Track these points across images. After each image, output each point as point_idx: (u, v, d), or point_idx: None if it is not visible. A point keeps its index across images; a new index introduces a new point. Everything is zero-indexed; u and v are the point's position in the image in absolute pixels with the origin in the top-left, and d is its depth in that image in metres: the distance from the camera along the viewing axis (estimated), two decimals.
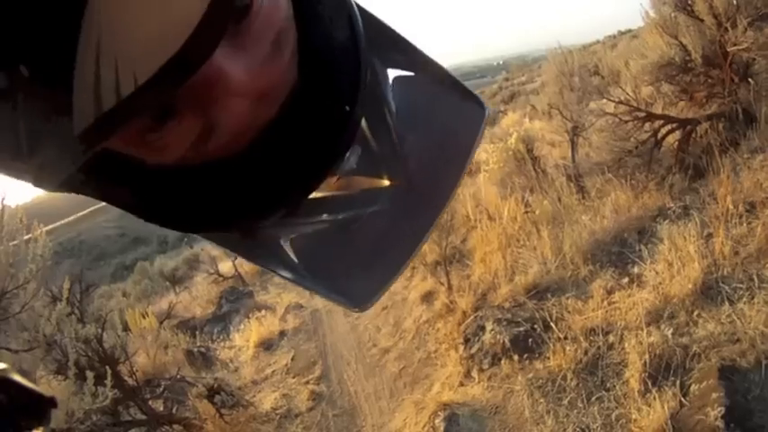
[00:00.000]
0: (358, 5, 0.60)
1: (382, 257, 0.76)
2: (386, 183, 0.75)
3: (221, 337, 9.97)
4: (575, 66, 7.73)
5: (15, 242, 5.02)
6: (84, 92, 0.35)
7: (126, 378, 5.59)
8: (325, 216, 0.73)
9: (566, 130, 7.69)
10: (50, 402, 1.08)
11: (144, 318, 8.65)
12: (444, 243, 6.88)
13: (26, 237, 5.16)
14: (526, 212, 7.16)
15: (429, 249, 7.50)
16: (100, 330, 5.59)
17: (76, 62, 0.34)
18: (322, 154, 0.57)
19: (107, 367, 5.37)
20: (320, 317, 9.41)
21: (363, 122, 0.67)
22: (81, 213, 55.58)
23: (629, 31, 50.93)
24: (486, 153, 10.83)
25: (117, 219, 60.59)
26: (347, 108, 0.55)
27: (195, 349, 8.65)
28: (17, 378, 1.04)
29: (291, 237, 0.73)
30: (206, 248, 22.80)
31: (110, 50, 0.34)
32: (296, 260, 0.72)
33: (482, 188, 9.07)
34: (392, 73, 0.73)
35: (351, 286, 0.75)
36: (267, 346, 8.73)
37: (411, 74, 0.73)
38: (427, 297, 7.43)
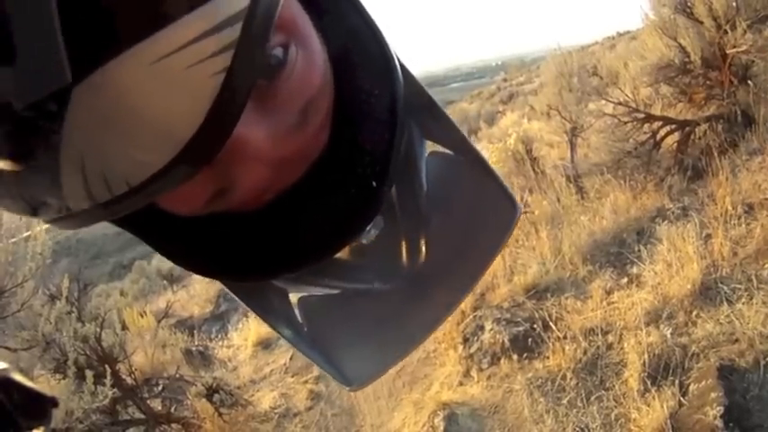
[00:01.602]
0: (404, 68, 0.59)
1: (385, 340, 0.74)
2: (404, 261, 0.72)
3: (219, 336, 9.92)
4: (574, 67, 7.75)
5: (14, 240, 5.02)
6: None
7: (125, 377, 5.58)
8: (336, 282, 0.72)
9: (564, 130, 7.72)
10: (51, 402, 1.13)
11: (142, 317, 8.65)
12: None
13: (25, 234, 5.17)
14: (525, 212, 7.17)
15: None
16: (98, 329, 5.59)
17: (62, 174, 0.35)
18: (341, 226, 0.56)
19: (106, 366, 5.38)
20: None
21: (393, 191, 0.67)
22: None
23: (628, 32, 50.99)
24: (486, 153, 10.84)
25: None
26: (374, 184, 0.54)
27: (193, 348, 8.64)
28: (18, 377, 1.11)
29: (300, 295, 0.72)
30: None
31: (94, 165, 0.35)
32: (299, 319, 0.72)
33: None
34: (429, 146, 0.71)
35: (347, 362, 0.74)
36: (265, 345, 8.68)
37: (449, 152, 0.70)
38: None
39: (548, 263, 5.89)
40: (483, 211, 0.71)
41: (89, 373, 4.85)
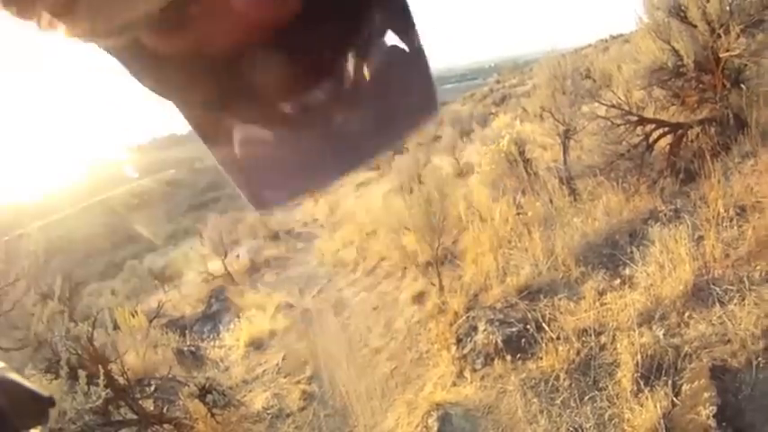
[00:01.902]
0: None
1: (303, 177, 0.82)
2: (336, 118, 0.78)
3: (211, 337, 9.92)
4: (568, 69, 7.77)
5: (7, 238, 5.01)
6: None
7: (117, 377, 5.55)
8: (274, 122, 0.76)
9: (557, 133, 7.74)
10: (48, 402, 1.18)
11: (133, 316, 8.66)
12: (436, 244, 6.91)
13: (18, 232, 5.15)
14: (518, 214, 7.19)
15: (420, 250, 7.56)
16: (90, 329, 5.57)
17: None
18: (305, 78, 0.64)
19: (99, 366, 5.36)
20: (311, 317, 9.42)
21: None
22: (71, 211, 55.38)
23: (621, 35, 51.18)
24: (479, 155, 10.88)
25: (107, 215, 60.41)
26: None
27: (185, 348, 8.62)
28: (15, 377, 1.17)
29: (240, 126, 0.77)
30: (195, 247, 22.81)
31: None
32: (235, 147, 0.76)
33: (474, 190, 9.13)
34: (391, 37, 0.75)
35: (264, 189, 0.82)
36: (257, 345, 8.71)
37: (405, 48, 0.75)
38: (419, 298, 7.47)
39: (540, 264, 5.91)
40: (411, 100, 0.78)
41: (82, 374, 4.82)
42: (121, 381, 5.57)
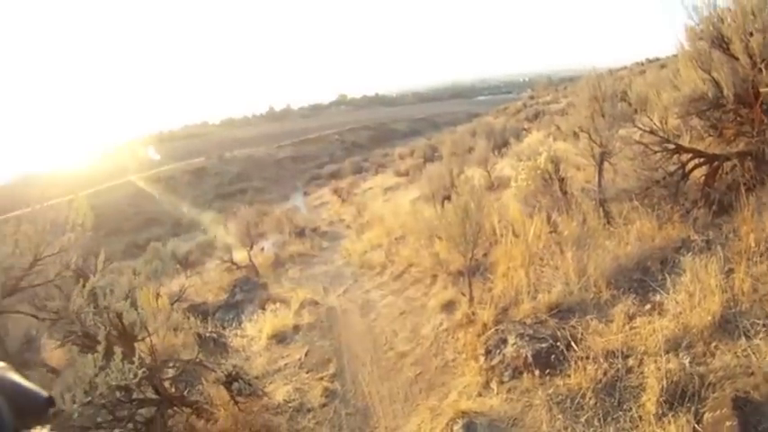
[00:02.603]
0: None
1: None
2: None
3: (233, 325, 10.00)
4: (607, 91, 7.80)
5: (51, 202, 5.13)
6: None
7: (144, 356, 5.65)
8: None
9: (592, 154, 7.78)
10: (48, 402, 1.35)
11: (156, 298, 8.83)
12: (469, 254, 6.96)
13: (65, 199, 5.25)
14: (551, 232, 7.27)
15: (452, 259, 7.65)
16: (123, 306, 5.71)
17: None
18: None
19: (130, 344, 5.52)
20: (336, 315, 9.51)
21: None
22: (98, 188, 55.87)
23: (657, 59, 50.96)
24: (512, 169, 10.94)
25: (132, 196, 60.74)
26: None
27: (207, 334, 8.75)
28: (15, 377, 1.31)
29: None
30: (221, 235, 22.96)
31: None
32: None
33: (507, 204, 9.23)
34: None
35: None
36: (280, 338, 8.81)
37: None
38: (448, 306, 7.52)
39: (572, 283, 5.96)
40: None
41: (118, 351, 4.92)
42: (148, 360, 5.67)
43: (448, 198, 12.18)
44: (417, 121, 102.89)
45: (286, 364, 7.81)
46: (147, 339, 5.96)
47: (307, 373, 7.39)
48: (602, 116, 7.63)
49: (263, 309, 10.23)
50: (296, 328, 9.09)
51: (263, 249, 17.80)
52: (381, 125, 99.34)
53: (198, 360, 6.69)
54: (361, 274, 12.05)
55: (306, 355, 7.95)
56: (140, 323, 5.88)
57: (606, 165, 7.74)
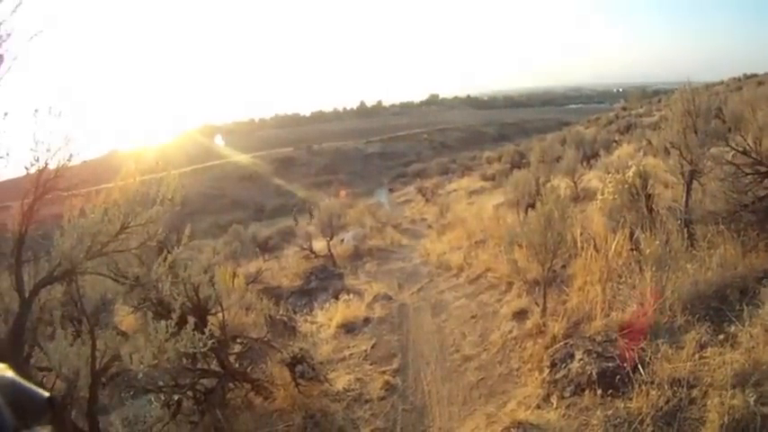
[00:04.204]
0: None
1: None
2: None
3: (304, 311, 10.24)
4: (702, 107, 7.54)
5: (145, 178, 5.30)
6: None
7: (214, 329, 5.74)
8: None
9: (681, 171, 7.55)
10: (48, 402, 1.36)
11: (233, 277, 8.98)
12: (548, 264, 6.87)
13: (159, 175, 5.42)
14: (632, 249, 7.09)
15: (530, 268, 7.55)
16: (201, 278, 5.86)
17: None
18: None
19: (203, 315, 5.67)
20: (407, 312, 9.52)
21: None
22: (184, 169, 57.67)
23: (755, 75, 49.37)
24: (600, 182, 10.72)
25: (218, 180, 62.27)
26: None
27: (278, 317, 8.90)
28: (15, 378, 1.31)
29: None
30: (302, 224, 23.24)
31: None
32: None
33: (590, 216, 9.06)
34: None
35: None
36: (349, 329, 8.88)
37: None
38: (519, 314, 7.44)
39: (646, 304, 5.82)
40: None
41: (191, 320, 5.03)
42: (218, 333, 5.77)
43: (532, 206, 12.06)
44: (507, 125, 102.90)
45: (351, 354, 7.87)
46: (219, 315, 6.08)
47: (370, 365, 7.41)
48: (695, 133, 7.40)
49: (336, 298, 10.37)
50: (366, 321, 9.16)
51: (342, 241, 17.96)
52: (470, 127, 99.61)
53: (266, 339, 6.80)
54: (438, 275, 12.03)
55: (372, 347, 7.98)
56: (215, 298, 6.01)
57: (695, 184, 7.50)
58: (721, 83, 53.54)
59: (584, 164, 18.49)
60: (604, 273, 6.84)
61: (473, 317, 8.35)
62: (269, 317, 8.53)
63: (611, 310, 6.09)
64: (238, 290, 9.62)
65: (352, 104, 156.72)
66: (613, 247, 7.16)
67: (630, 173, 8.26)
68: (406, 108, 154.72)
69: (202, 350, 5.10)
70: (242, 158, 72.34)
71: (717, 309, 5.44)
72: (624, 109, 69.26)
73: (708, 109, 7.55)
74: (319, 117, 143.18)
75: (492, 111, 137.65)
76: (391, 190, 51.09)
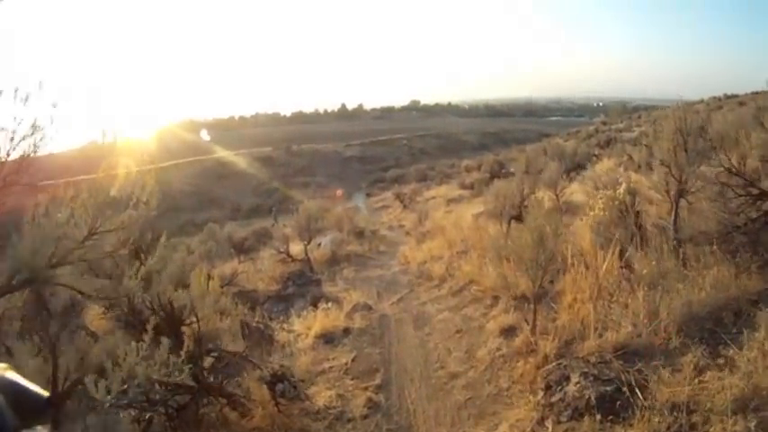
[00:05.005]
0: None
1: None
2: None
3: (281, 318, 9.90)
4: (693, 125, 7.44)
5: (114, 173, 5.03)
6: None
7: (188, 341, 5.51)
8: None
9: (666, 189, 7.54)
10: (48, 402, 1.38)
11: (207, 280, 8.81)
12: (539, 281, 6.62)
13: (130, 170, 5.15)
14: (623, 267, 6.97)
15: (517, 282, 7.41)
16: (177, 294, 5.63)
17: None
18: None
19: (176, 328, 5.44)
20: (388, 323, 9.27)
21: None
22: (162, 164, 57.77)
23: (736, 96, 50.23)
24: (589, 197, 10.62)
25: (195, 176, 62.14)
26: None
27: (254, 323, 8.64)
28: (15, 377, 1.33)
29: None
30: (279, 225, 22.99)
31: None
32: None
33: (578, 232, 8.93)
34: None
35: None
36: (328, 339, 8.60)
37: None
38: (508, 331, 7.22)
39: (639, 324, 5.68)
40: None
41: (165, 341, 4.78)
42: (192, 346, 5.51)
43: (517, 218, 11.96)
44: (487, 135, 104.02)
45: (331, 368, 7.59)
46: (195, 325, 5.87)
47: (351, 380, 7.14)
48: (685, 151, 7.29)
49: (315, 306, 10.06)
50: (346, 331, 8.86)
51: (320, 245, 17.77)
52: (450, 135, 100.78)
53: (244, 354, 6.58)
54: (418, 284, 11.78)
55: (353, 360, 7.72)
56: (190, 307, 5.77)
57: (683, 203, 7.42)
58: (701, 101, 54.53)
59: (565, 177, 18.45)
60: (595, 290, 6.68)
61: (458, 331, 8.12)
62: (245, 324, 8.29)
63: (603, 330, 5.93)
64: (213, 293, 9.40)
65: (334, 107, 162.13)
66: (604, 265, 7.01)
67: (621, 189, 8.16)
68: (387, 113, 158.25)
69: (178, 378, 4.84)
70: (221, 156, 72.26)
71: (711, 331, 5.34)
72: (604, 123, 70.76)
73: (699, 128, 7.44)
74: (300, 118, 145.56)
75: (473, 119, 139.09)
76: (369, 194, 51.10)
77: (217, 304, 8.47)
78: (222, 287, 11.58)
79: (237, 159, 71.52)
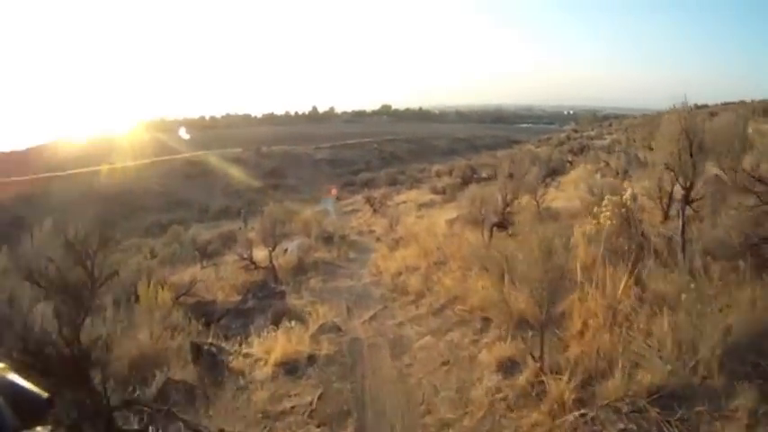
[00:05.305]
0: None
1: None
2: None
3: (238, 337, 8.39)
4: (698, 127, 6.69)
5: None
6: None
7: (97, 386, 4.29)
8: None
9: (659, 195, 7.44)
10: (48, 402, 1.54)
11: (156, 292, 7.81)
12: (545, 306, 5.28)
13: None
14: (636, 285, 5.92)
15: (521, 304, 6.22)
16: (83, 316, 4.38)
17: None
18: None
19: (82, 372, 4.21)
20: (360, 349, 7.82)
21: None
22: (132, 164, 58.07)
23: (706, 106, 51.25)
24: (584, 202, 9.80)
25: (162, 176, 61.94)
26: None
27: (205, 347, 7.34)
28: (15, 378, 1.49)
29: None
30: (245, 230, 22.01)
31: None
32: None
33: (576, 244, 7.85)
34: None
35: None
36: (291, 368, 7.10)
37: None
38: (506, 365, 5.85)
39: (671, 358, 4.63)
40: None
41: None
42: (101, 394, 4.32)
43: (500, 225, 10.99)
44: (458, 140, 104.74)
45: (293, 408, 6.11)
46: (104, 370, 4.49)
47: (318, 426, 5.73)
48: (690, 154, 6.54)
49: (276, 325, 8.61)
50: (311, 359, 7.37)
51: (286, 251, 16.69)
52: (421, 140, 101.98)
53: (170, 410, 5.19)
54: (393, 299, 10.44)
55: (319, 398, 6.23)
56: (104, 343, 4.54)
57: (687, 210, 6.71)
58: (672, 111, 55.81)
59: (541, 182, 17.84)
60: (608, 314, 5.55)
61: (444, 363, 6.71)
62: (195, 346, 7.11)
63: (626, 364, 4.83)
64: (163, 306, 8.34)
65: (305, 109, 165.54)
66: (621, 286, 5.89)
67: (627, 195, 7.27)
68: (358, 116, 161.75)
69: None
70: (191, 156, 72.59)
71: (755, 365, 4.46)
72: (575, 131, 72.47)
73: (703, 130, 6.77)
74: (271, 119, 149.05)
75: (443, 125, 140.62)
76: (338, 198, 50.45)
77: (168, 319, 7.41)
78: (178, 298, 10.56)
79: (208, 159, 71.37)
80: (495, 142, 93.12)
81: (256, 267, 15.03)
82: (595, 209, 7.73)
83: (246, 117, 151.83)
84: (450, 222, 15.99)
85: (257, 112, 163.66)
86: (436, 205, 27.21)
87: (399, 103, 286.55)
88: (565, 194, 16.25)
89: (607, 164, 20.73)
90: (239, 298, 12.17)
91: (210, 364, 6.99)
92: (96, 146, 76.20)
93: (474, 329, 7.33)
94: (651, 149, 22.07)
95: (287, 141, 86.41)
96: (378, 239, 20.48)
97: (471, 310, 7.78)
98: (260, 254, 15.94)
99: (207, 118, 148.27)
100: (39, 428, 1.33)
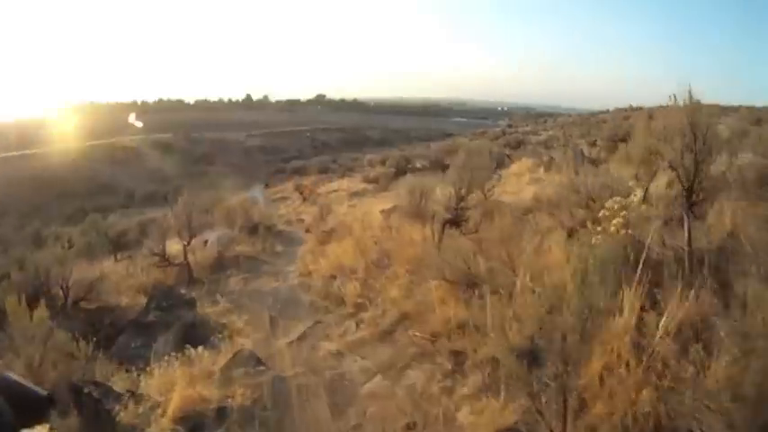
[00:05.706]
0: None
1: None
2: None
3: (135, 364, 6.49)
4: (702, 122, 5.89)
5: None
6: None
7: None
8: None
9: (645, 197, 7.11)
10: (48, 401, 1.60)
11: (31, 310, 6.48)
12: (565, 370, 3.59)
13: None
14: (647, 310, 4.41)
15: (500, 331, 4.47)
16: None
17: None
18: None
19: None
20: (287, 398, 5.66)
21: None
22: (59, 147, 60.46)
23: (641, 108, 53.04)
24: (561, 199, 8.46)
25: (91, 161, 60.74)
26: None
27: (86, 390, 5.26)
28: (14, 377, 1.56)
29: None
30: (163, 216, 19.79)
31: None
32: None
33: (552, 251, 6.30)
34: None
35: None
36: (195, 426, 5.08)
37: None
38: None
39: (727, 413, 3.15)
40: None
41: None
42: None
43: (454, 222, 9.48)
44: (391, 131, 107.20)
45: None
46: None
47: None
48: (691, 152, 5.88)
49: (181, 348, 6.47)
50: (220, 414, 5.22)
51: (206, 243, 15.11)
52: (355, 130, 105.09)
53: None
54: (326, 310, 8.59)
55: None
56: None
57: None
58: (607, 111, 59.56)
59: (492, 175, 16.85)
60: (632, 352, 4.00)
61: (409, 428, 4.74)
62: (75, 389, 5.24)
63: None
64: (40, 326, 6.37)
65: (239, 96, 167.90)
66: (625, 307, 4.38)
67: (637, 197, 6.74)
68: (292, 105, 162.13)
69: None
70: (119, 141, 71.93)
71: None
72: (510, 126, 74.84)
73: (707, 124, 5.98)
74: (204, 105, 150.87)
75: (378, 116, 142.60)
76: (267, 185, 49.33)
77: (48, 342, 6.25)
78: (76, 302, 9.87)
79: (136, 145, 71.03)
80: (428, 134, 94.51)
81: (169, 264, 13.04)
82: (600, 213, 6.22)
83: (179, 102, 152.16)
84: (387, 213, 14.59)
85: (190, 98, 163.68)
86: (368, 194, 26.70)
87: (334, 93, 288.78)
88: (511, 188, 15.43)
89: (552, 158, 19.95)
90: (141, 309, 9.88)
91: (93, 414, 5.09)
92: (24, 129, 74.51)
93: (442, 369, 5.49)
94: (595, 145, 22.00)
95: (219, 128, 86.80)
96: (307, 230, 18.97)
97: (434, 337, 6.00)
98: (175, 247, 13.98)
99: (138, 103, 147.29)
100: (38, 427, 1.40)
